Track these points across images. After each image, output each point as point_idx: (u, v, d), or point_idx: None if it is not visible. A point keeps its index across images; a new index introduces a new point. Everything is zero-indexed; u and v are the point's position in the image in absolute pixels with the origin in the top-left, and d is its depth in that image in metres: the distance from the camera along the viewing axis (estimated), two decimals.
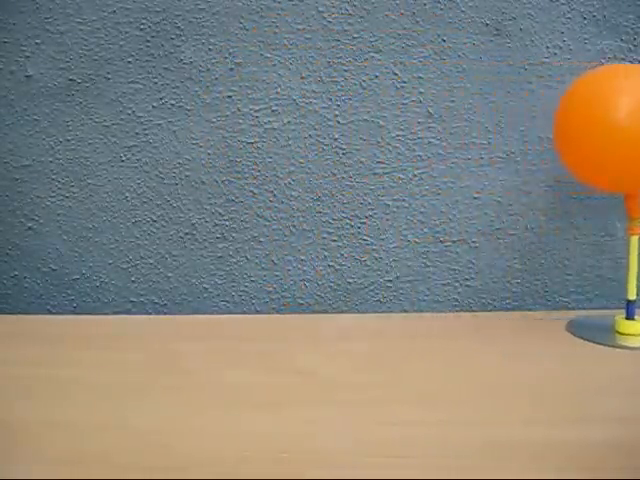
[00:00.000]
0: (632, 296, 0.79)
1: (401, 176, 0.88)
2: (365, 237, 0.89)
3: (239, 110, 0.87)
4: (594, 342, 0.76)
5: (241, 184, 0.88)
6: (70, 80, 0.87)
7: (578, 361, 0.71)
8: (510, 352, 0.73)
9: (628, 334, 0.78)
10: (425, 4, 0.85)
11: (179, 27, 0.86)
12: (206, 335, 0.79)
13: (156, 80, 0.87)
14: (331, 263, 0.89)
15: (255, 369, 0.69)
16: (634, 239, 0.78)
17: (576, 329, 0.80)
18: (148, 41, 0.87)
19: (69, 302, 0.91)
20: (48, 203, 0.89)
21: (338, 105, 0.87)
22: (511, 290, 0.89)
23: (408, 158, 0.87)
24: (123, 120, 0.88)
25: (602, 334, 0.79)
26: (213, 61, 0.87)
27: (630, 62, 0.86)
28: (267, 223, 0.89)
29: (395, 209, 0.88)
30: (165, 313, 0.90)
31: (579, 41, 0.86)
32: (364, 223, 0.89)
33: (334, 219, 0.89)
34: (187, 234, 0.89)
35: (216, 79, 0.87)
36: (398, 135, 0.87)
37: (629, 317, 0.79)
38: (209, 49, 0.86)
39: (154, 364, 0.70)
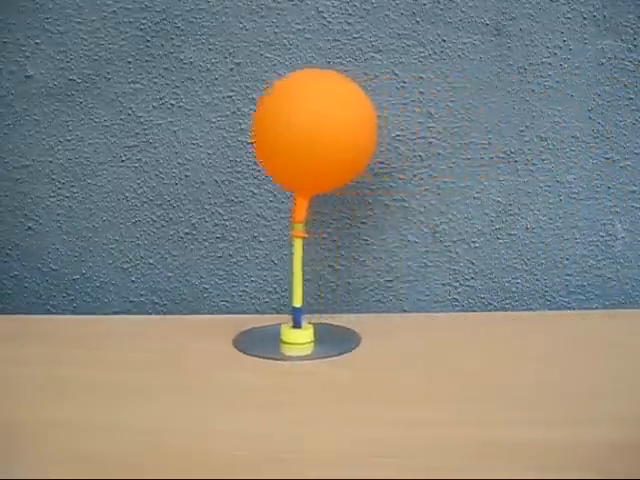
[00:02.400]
0: (298, 303, 0.75)
1: (401, 176, 0.88)
2: (365, 237, 0.89)
3: (239, 110, 0.87)
4: (258, 355, 0.72)
5: (241, 184, 0.88)
6: (70, 80, 0.87)
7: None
8: (510, 352, 0.73)
9: (295, 343, 0.75)
10: (425, 4, 0.85)
11: (179, 27, 0.86)
12: (206, 335, 0.79)
13: (156, 80, 0.87)
14: (331, 263, 0.89)
15: (255, 369, 0.69)
16: (298, 242, 0.75)
17: (239, 342, 0.76)
18: (148, 41, 0.87)
19: (69, 302, 0.91)
20: (48, 203, 0.89)
21: None
22: (511, 290, 0.89)
23: (408, 158, 0.87)
24: (123, 120, 0.88)
25: (268, 345, 0.75)
26: (213, 61, 0.87)
27: (630, 62, 0.86)
28: (267, 223, 0.89)
29: (395, 209, 0.88)
30: (165, 313, 0.90)
31: (579, 41, 0.86)
32: (364, 223, 0.88)
33: (334, 219, 0.89)
34: (187, 234, 0.89)
35: (216, 79, 0.87)
36: (398, 135, 0.87)
37: (296, 325, 0.76)
38: (209, 49, 0.86)
39: (154, 364, 0.70)
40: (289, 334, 0.75)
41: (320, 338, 0.76)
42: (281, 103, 0.72)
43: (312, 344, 0.75)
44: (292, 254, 0.76)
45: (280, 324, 0.77)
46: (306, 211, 0.75)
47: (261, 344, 0.75)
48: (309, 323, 0.77)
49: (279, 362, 0.71)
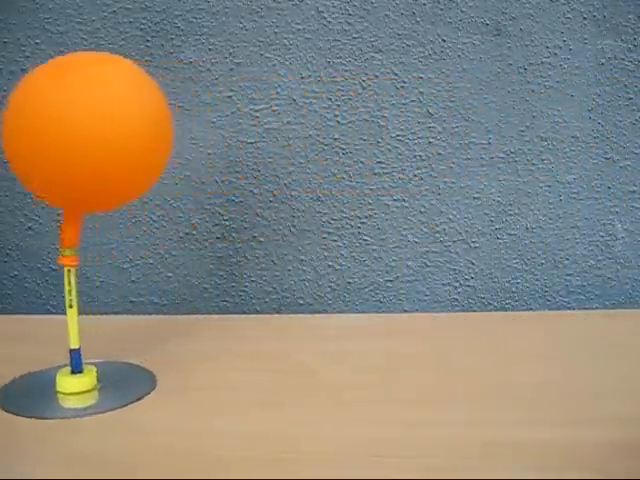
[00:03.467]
0: (75, 344, 0.62)
1: (401, 176, 0.88)
2: (365, 237, 0.89)
3: (239, 110, 0.87)
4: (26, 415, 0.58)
5: (241, 184, 0.88)
6: None
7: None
8: (510, 352, 0.73)
9: (74, 392, 0.62)
10: (425, 4, 0.85)
11: (179, 27, 0.86)
12: (206, 335, 0.79)
13: (156, 80, 0.87)
14: (331, 263, 0.89)
15: (255, 369, 0.69)
16: (71, 273, 0.61)
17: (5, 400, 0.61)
18: (148, 41, 0.87)
19: None
20: None
21: (338, 105, 0.87)
22: (511, 290, 0.89)
23: (408, 158, 0.87)
24: None
25: (40, 400, 0.61)
26: (213, 61, 0.87)
27: (630, 62, 0.86)
28: (267, 223, 0.89)
29: (395, 209, 0.88)
30: (165, 313, 0.90)
31: (579, 41, 0.86)
32: (364, 223, 0.89)
33: (334, 219, 0.89)
34: (187, 234, 0.89)
35: (216, 79, 0.87)
36: (398, 135, 0.87)
37: (75, 370, 0.62)
38: (209, 49, 0.86)
39: (154, 364, 0.70)
40: (67, 381, 0.62)
41: (107, 382, 0.64)
42: (31, 95, 0.57)
43: (96, 392, 0.63)
44: (66, 286, 0.62)
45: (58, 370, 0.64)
46: (78, 232, 0.61)
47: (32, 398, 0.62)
48: (90, 365, 0.64)
49: (51, 421, 0.58)
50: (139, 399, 0.61)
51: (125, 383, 0.65)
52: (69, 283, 0.61)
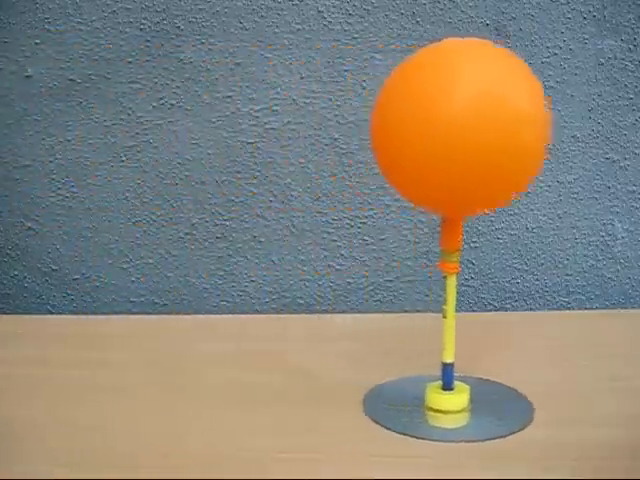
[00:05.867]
0: (449, 357, 0.57)
1: None
2: (365, 237, 0.89)
3: (239, 110, 0.87)
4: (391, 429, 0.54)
5: (241, 184, 0.88)
6: (70, 80, 0.87)
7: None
8: (510, 352, 0.73)
9: (444, 411, 0.56)
10: (425, 4, 0.85)
11: (179, 27, 0.86)
12: (206, 335, 0.79)
13: (156, 80, 0.87)
14: (331, 263, 0.89)
15: (255, 369, 0.69)
16: (452, 280, 0.56)
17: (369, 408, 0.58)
18: (148, 41, 0.87)
19: (69, 302, 0.91)
20: (48, 203, 0.89)
21: (338, 105, 0.87)
22: (511, 290, 0.89)
23: None
24: (123, 120, 0.88)
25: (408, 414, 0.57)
26: (213, 61, 0.87)
27: (630, 62, 0.86)
28: (267, 223, 0.89)
29: (395, 209, 0.88)
30: (165, 313, 0.90)
31: (579, 41, 0.86)
32: (364, 223, 0.89)
33: (334, 219, 0.89)
34: (187, 234, 0.89)
35: (216, 79, 0.87)
36: None
37: (447, 387, 0.57)
38: (209, 49, 0.86)
39: (154, 364, 0.70)
40: (439, 398, 0.57)
41: (476, 403, 0.58)
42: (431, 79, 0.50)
43: (467, 413, 0.57)
44: (445, 296, 0.56)
45: (427, 383, 0.58)
46: (459, 235, 0.55)
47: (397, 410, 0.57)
48: (462, 382, 0.58)
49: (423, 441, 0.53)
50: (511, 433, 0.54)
51: (497, 406, 0.58)
52: (446, 290, 0.56)
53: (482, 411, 0.57)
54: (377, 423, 0.56)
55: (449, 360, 0.56)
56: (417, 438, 0.53)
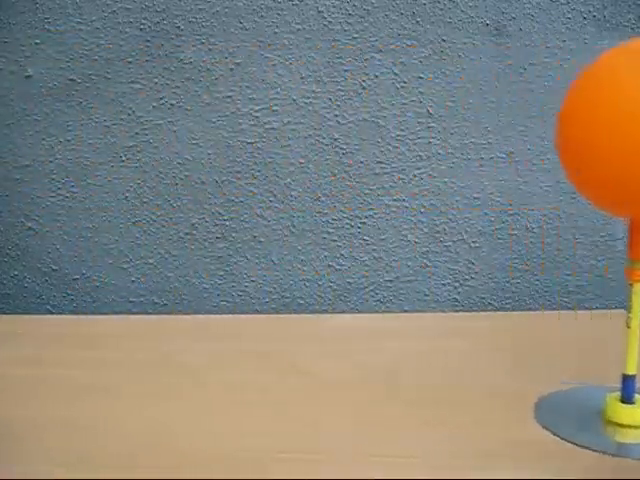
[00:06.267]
0: (632, 370, 0.55)
1: (401, 176, 0.88)
2: (365, 237, 0.89)
3: (239, 110, 0.87)
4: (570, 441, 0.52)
5: (241, 184, 0.88)
6: (70, 80, 0.87)
7: None
8: (511, 352, 0.73)
9: (626, 425, 0.54)
10: (425, 4, 0.85)
11: (179, 27, 0.86)
12: (206, 335, 0.79)
13: (156, 80, 0.87)
14: (331, 263, 0.89)
15: (255, 369, 0.69)
16: (638, 287, 0.54)
17: (542, 415, 0.57)
18: (148, 41, 0.87)
19: (69, 302, 0.91)
20: (48, 203, 0.89)
21: (338, 105, 0.87)
22: (511, 290, 0.89)
23: (408, 158, 0.87)
24: (123, 120, 0.88)
25: (584, 424, 0.55)
26: (213, 61, 0.87)
27: None
28: (267, 223, 0.89)
29: (395, 209, 0.88)
30: (165, 313, 0.90)
31: (579, 41, 0.86)
32: (364, 223, 0.89)
33: (334, 219, 0.89)
34: (187, 234, 0.89)
35: (216, 79, 0.87)
36: (398, 135, 0.87)
37: (627, 400, 0.55)
38: (209, 49, 0.86)
39: (154, 364, 0.70)
40: (619, 411, 0.54)
41: None
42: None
43: None
44: (630, 304, 0.55)
45: (607, 394, 0.56)
46: None
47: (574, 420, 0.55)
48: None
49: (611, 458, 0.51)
50: None
51: None
52: (631, 298, 0.54)
53: None
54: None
55: (632, 372, 0.55)
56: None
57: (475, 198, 0.88)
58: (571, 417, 0.56)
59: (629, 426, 0.54)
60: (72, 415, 0.60)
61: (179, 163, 0.88)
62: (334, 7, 0.86)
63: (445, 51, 0.86)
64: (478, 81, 0.86)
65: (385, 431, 0.56)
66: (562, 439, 0.53)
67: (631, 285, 0.54)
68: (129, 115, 0.88)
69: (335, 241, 0.89)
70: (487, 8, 0.85)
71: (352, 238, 0.89)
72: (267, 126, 0.87)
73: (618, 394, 0.55)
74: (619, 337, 0.78)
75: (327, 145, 0.87)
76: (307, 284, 0.90)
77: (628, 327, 0.55)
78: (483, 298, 0.89)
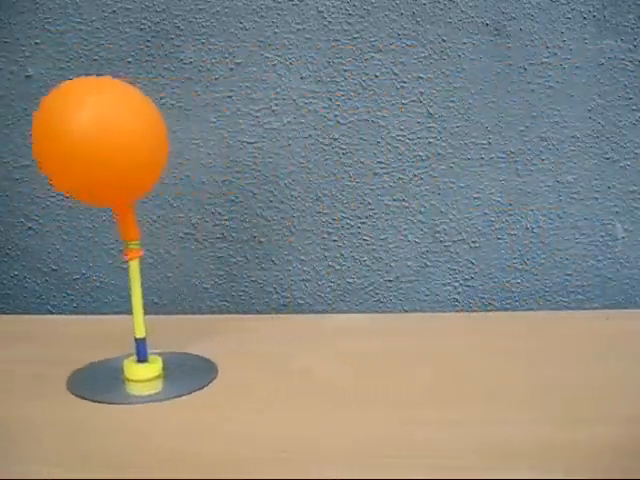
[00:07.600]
0: (141, 333, 0.67)
1: (401, 176, 0.88)
2: (365, 237, 0.89)
3: (239, 110, 0.87)
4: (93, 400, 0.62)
5: (241, 184, 0.88)
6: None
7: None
8: (511, 352, 0.73)
9: (140, 380, 0.66)
10: (425, 4, 0.85)
11: (179, 27, 0.86)
12: (206, 335, 0.79)
13: (156, 80, 0.87)
14: (331, 263, 0.89)
15: (255, 369, 0.69)
16: (134, 264, 0.65)
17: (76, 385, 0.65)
18: (148, 41, 0.87)
19: (69, 302, 0.91)
20: (48, 203, 0.89)
21: (338, 105, 0.87)
22: (511, 290, 0.89)
23: (408, 158, 0.87)
24: None
25: (109, 385, 0.65)
26: (213, 61, 0.87)
27: (630, 62, 0.86)
28: (267, 223, 0.89)
29: (395, 209, 0.88)
30: (165, 313, 0.90)
31: (579, 41, 0.86)
32: (364, 223, 0.89)
33: (334, 219, 0.89)
34: (187, 234, 0.89)
35: (216, 79, 0.87)
36: (398, 135, 0.87)
37: (141, 359, 0.67)
38: (209, 49, 0.86)
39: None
40: (133, 369, 0.66)
41: (170, 372, 0.68)
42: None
43: (160, 380, 0.67)
44: (129, 278, 0.66)
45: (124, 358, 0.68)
46: (135, 223, 0.65)
47: (100, 384, 0.66)
48: (156, 355, 0.69)
49: (118, 406, 0.61)
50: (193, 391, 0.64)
51: (188, 373, 0.68)
52: (135, 272, 0.66)
53: (174, 377, 0.67)
54: None
55: (141, 335, 0.66)
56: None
57: (475, 198, 0.88)
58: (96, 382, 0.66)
59: (142, 380, 0.66)
60: (72, 415, 0.60)
61: (179, 163, 0.88)
62: (334, 7, 0.86)
63: (445, 51, 0.86)
64: (478, 81, 0.86)
65: (385, 431, 0.56)
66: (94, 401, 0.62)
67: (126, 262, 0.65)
68: None
69: (335, 241, 0.89)
70: (487, 8, 0.85)
71: (352, 238, 0.89)
72: (267, 126, 0.87)
73: (135, 357, 0.67)
74: (620, 337, 0.78)
75: (327, 145, 0.87)
76: (307, 284, 0.90)
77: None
78: (483, 298, 0.89)
